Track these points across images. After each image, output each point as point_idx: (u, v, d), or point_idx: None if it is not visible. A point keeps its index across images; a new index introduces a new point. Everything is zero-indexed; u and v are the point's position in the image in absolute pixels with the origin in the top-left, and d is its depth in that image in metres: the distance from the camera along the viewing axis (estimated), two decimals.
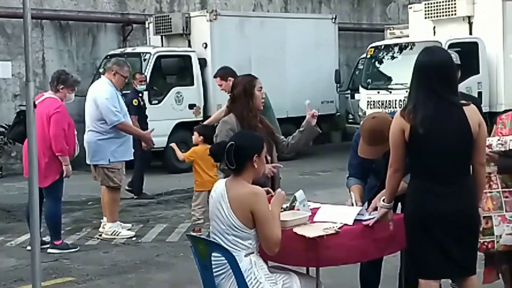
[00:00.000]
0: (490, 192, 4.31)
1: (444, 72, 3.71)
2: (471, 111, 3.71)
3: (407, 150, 3.74)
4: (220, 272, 3.65)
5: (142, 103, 10.52)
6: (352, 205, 4.27)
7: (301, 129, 4.86)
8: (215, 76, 7.47)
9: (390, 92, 12.90)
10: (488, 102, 12.66)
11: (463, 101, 3.73)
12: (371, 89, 13.50)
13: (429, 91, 3.67)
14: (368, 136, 4.14)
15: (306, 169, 13.32)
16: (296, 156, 14.41)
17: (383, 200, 3.94)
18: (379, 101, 13.01)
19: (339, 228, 3.85)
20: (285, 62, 15.01)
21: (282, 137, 4.98)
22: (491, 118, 12.46)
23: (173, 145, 7.79)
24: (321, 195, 9.41)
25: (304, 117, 4.96)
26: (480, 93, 12.55)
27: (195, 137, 7.40)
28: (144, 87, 10.80)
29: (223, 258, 3.59)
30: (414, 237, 3.80)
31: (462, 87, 12.31)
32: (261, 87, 4.72)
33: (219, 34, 14.01)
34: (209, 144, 7.41)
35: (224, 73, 7.26)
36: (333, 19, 15.94)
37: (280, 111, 13.64)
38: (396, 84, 12.94)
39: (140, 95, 10.62)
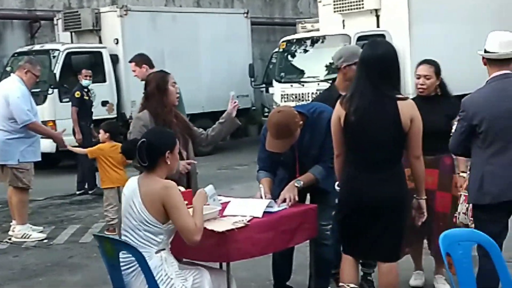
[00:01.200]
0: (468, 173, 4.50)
1: (384, 65, 3.84)
2: (405, 105, 3.82)
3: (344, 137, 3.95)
4: (130, 270, 3.61)
5: (87, 97, 10.61)
6: (261, 197, 4.32)
7: (221, 120, 4.88)
8: (130, 61, 7.39)
9: (303, 85, 13.08)
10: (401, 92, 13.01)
11: (400, 96, 3.85)
12: (284, 82, 13.65)
13: (367, 83, 3.84)
14: (274, 130, 4.20)
15: (223, 164, 13.36)
16: (213, 151, 14.43)
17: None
18: (292, 94, 13.17)
19: (248, 221, 3.88)
20: (199, 57, 14.99)
21: (201, 129, 4.97)
22: None
23: (69, 147, 7.73)
24: (238, 189, 9.47)
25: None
26: None
27: (101, 134, 7.38)
28: (89, 82, 10.79)
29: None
30: (340, 217, 4.06)
31: None
32: (174, 82, 4.70)
33: (130, 29, 13.84)
34: (115, 141, 7.39)
35: (140, 59, 7.18)
36: (245, 14, 16.04)
37: (196, 106, 13.70)
38: (308, 77, 13.14)
39: (86, 90, 10.65)
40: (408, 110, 3.82)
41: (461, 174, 4.92)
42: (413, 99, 4.83)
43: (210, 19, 15.47)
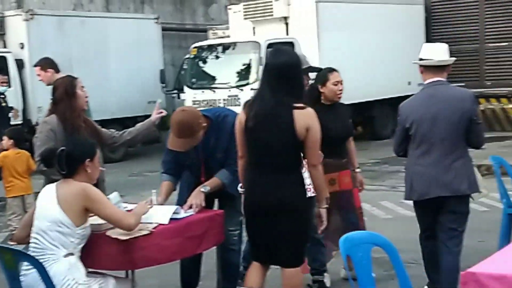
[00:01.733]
0: None
1: (283, 73, 3.85)
2: (301, 114, 3.83)
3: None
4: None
5: (4, 104, 10.38)
6: (151, 203, 4.28)
7: (139, 125, 4.85)
8: (35, 65, 7.20)
9: (214, 91, 13.14)
10: None
11: (299, 104, 3.84)
12: (195, 88, 13.65)
13: (267, 89, 3.88)
14: (177, 128, 4.20)
15: (134, 170, 13.21)
16: (124, 157, 14.24)
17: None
18: (204, 100, 13.19)
19: (153, 228, 3.87)
20: (108, 63, 14.77)
21: (113, 130, 4.93)
22: None
23: None
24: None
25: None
26: None
27: (5, 141, 7.15)
28: (6, 88, 10.65)
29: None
30: (245, 222, 4.12)
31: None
32: (82, 86, 4.64)
33: (36, 34, 13.47)
34: (20, 148, 7.18)
35: (45, 63, 7.01)
36: (156, 19, 15.94)
37: (105, 112, 13.47)
38: (219, 83, 13.21)
39: (3, 96, 10.40)
40: (304, 119, 3.83)
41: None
42: (317, 106, 5.05)
43: (120, 24, 15.27)
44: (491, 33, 15.85)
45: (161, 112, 4.85)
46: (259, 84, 4.07)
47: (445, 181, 4.40)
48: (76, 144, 3.88)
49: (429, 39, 16.42)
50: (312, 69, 4.96)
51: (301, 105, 3.86)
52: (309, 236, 4.15)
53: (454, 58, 4.63)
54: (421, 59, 4.52)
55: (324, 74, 5.20)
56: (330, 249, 5.25)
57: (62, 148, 3.74)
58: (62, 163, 3.70)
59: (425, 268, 4.93)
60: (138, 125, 4.87)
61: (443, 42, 16.13)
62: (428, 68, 4.51)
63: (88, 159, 3.74)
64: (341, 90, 5.16)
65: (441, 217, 4.54)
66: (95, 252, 3.79)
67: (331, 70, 5.25)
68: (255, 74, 12.67)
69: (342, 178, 5.21)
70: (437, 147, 4.43)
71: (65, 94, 4.53)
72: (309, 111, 3.88)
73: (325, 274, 5.24)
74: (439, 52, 4.53)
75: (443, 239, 4.56)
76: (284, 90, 3.85)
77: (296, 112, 3.82)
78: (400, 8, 15.63)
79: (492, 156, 6.19)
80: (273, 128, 3.86)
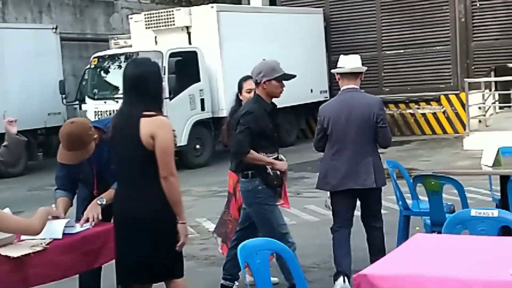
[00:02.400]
0: None
1: (136, 83, 3.75)
2: (148, 122, 3.68)
3: None
4: None
5: None
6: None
7: (5, 143, 4.60)
8: None
9: (117, 102, 12.90)
10: (210, 108, 13.34)
11: (149, 113, 3.68)
12: (97, 99, 13.39)
13: (125, 101, 3.86)
14: (66, 141, 4.08)
15: (34, 185, 12.77)
16: (24, 172, 13.78)
17: None
18: (106, 111, 12.95)
19: (47, 244, 3.74)
20: (5, 74, 14.25)
21: None
22: (215, 123, 13.30)
23: None
24: None
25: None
26: (202, 100, 13.17)
27: None
28: None
29: None
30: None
31: (185, 94, 13.00)
32: None
33: None
34: None
35: None
36: (54, 29, 15.53)
37: (2, 125, 12.94)
38: (122, 93, 12.99)
39: None
40: (149, 127, 3.67)
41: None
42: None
43: (16, 35, 14.77)
44: (388, 40, 16.45)
45: (11, 120, 4.54)
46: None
47: (355, 176, 5.11)
48: None
49: (328, 48, 16.88)
50: (288, 76, 5.02)
51: (151, 113, 3.69)
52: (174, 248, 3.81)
53: (365, 68, 5.31)
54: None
55: (239, 82, 5.44)
56: None
57: None
58: None
59: (334, 255, 5.44)
60: (4, 143, 4.58)
61: (342, 50, 16.64)
62: (343, 76, 5.22)
63: None
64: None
65: (362, 206, 5.35)
66: None
67: (246, 78, 5.41)
68: None
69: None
70: (349, 146, 5.13)
71: None
72: (157, 119, 3.70)
73: (236, 282, 5.28)
74: (351, 62, 5.24)
75: (369, 222, 5.34)
76: (140, 101, 3.71)
77: (142, 121, 3.67)
78: (300, 18, 15.96)
79: (387, 160, 6.40)
80: (124, 139, 3.76)
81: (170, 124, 3.77)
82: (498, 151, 5.73)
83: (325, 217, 8.08)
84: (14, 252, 3.59)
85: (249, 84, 5.29)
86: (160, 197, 3.71)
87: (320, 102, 18.44)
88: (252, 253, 3.43)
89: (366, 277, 2.86)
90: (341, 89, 5.26)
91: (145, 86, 3.74)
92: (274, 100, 4.99)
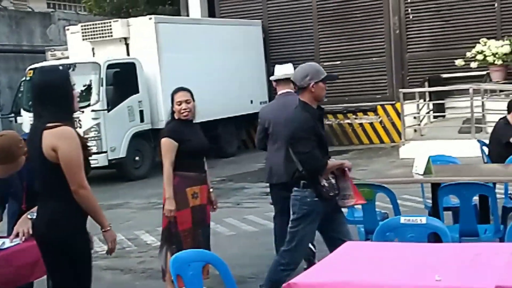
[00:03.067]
0: None
1: (45, 93, 3.56)
2: (49, 134, 3.50)
3: None
4: None
5: None
6: None
7: None
8: None
9: None
10: (150, 119, 13.26)
11: (52, 124, 3.50)
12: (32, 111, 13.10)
13: (34, 112, 3.68)
14: None
15: None
16: None
17: None
18: None
19: None
20: None
21: None
22: (154, 135, 13.22)
23: None
24: None
25: None
26: (141, 112, 13.09)
27: None
28: None
29: None
30: None
31: (123, 106, 12.89)
32: None
33: None
34: None
35: None
36: None
37: None
38: None
39: None
40: (50, 139, 3.49)
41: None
42: (172, 123, 5.17)
43: None
44: (325, 52, 16.73)
45: None
46: None
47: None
48: None
49: (268, 59, 17.04)
50: (334, 77, 4.97)
51: (54, 124, 3.49)
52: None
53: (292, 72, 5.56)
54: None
55: (171, 94, 5.37)
56: None
57: None
58: None
59: (276, 242, 5.88)
60: None
61: (281, 61, 16.76)
62: (278, 82, 5.84)
63: None
64: (185, 108, 5.23)
65: None
66: None
67: (176, 90, 5.38)
68: (96, 96, 12.46)
69: (203, 192, 5.36)
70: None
71: None
72: (59, 130, 3.50)
73: None
74: (283, 69, 5.89)
75: None
76: (44, 112, 3.54)
77: (45, 133, 3.49)
78: (239, 29, 16.07)
79: None
80: (32, 153, 3.63)
81: (73, 135, 3.53)
82: (428, 160, 5.90)
83: (264, 228, 8.15)
84: None
85: (179, 96, 5.25)
86: (59, 214, 3.55)
87: None
88: (184, 264, 3.45)
89: (296, 285, 2.92)
90: (278, 93, 5.88)
91: (50, 96, 3.53)
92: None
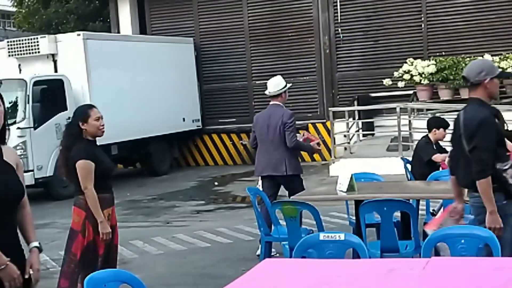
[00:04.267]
0: None
1: None
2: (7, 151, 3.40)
3: None
4: None
5: None
6: None
7: None
8: None
9: None
10: None
11: None
12: None
13: None
14: None
15: None
16: None
17: None
18: None
19: None
20: None
21: None
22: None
23: None
24: None
25: None
26: None
27: None
28: None
29: None
30: None
31: (51, 123, 12.63)
32: None
33: None
34: None
35: None
36: None
37: None
38: None
39: None
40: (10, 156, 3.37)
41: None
42: (82, 143, 4.97)
43: None
44: (257, 71, 16.85)
45: None
46: None
47: (273, 166, 7.10)
48: None
49: (200, 77, 17.04)
50: (509, 74, 4.82)
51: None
52: None
53: (285, 88, 7.30)
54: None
55: (84, 111, 5.10)
56: None
57: None
58: None
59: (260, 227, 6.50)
60: None
61: (213, 79, 16.82)
62: (270, 97, 7.28)
63: None
64: (103, 125, 5.07)
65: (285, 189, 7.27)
66: None
67: (91, 106, 5.18)
68: (22, 113, 12.16)
69: (113, 212, 5.22)
70: (269, 145, 7.13)
71: None
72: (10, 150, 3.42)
73: None
74: (270, 86, 7.29)
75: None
76: None
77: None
78: (170, 46, 16.02)
79: (248, 187, 6.57)
80: None
81: None
82: (351, 177, 6.00)
83: (193, 246, 8.11)
84: None
85: (97, 112, 5.05)
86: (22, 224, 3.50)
87: (193, 131, 18.49)
88: (100, 284, 3.38)
89: None
90: (270, 103, 7.31)
91: None
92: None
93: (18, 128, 12.01)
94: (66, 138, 5.16)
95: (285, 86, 7.31)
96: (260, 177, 7.34)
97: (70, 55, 13.15)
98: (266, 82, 7.47)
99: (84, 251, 5.04)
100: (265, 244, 6.31)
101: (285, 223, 5.87)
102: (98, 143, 5.19)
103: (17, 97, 12.27)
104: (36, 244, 3.49)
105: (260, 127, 7.20)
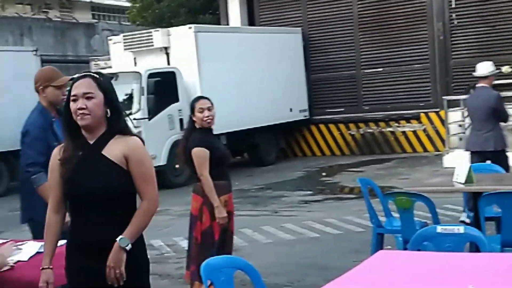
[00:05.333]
0: None
1: None
2: None
3: None
4: None
5: None
6: None
7: None
8: None
9: None
10: None
11: None
12: None
13: None
14: None
15: (16, 205, 12.65)
16: (6, 192, 13.77)
17: None
18: None
19: (14, 263, 3.74)
20: None
21: None
22: None
23: None
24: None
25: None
26: (181, 120, 13.17)
27: None
28: None
29: None
30: None
31: (164, 114, 13.00)
32: None
33: None
34: None
35: None
36: (35, 51, 15.50)
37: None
38: None
39: None
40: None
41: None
42: (197, 132, 5.19)
43: None
44: (366, 59, 16.56)
45: None
46: None
47: (482, 142, 7.77)
48: None
49: (308, 67, 16.96)
50: None
51: None
52: None
53: (495, 71, 8.01)
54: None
55: (191, 103, 5.39)
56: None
57: None
58: None
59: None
60: None
61: (321, 68, 16.68)
62: (478, 77, 7.96)
63: None
64: (207, 116, 5.25)
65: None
66: None
67: (197, 99, 5.43)
68: (137, 104, 12.59)
69: (231, 199, 5.39)
70: (478, 123, 7.89)
71: None
72: None
73: None
74: (481, 68, 7.91)
75: None
76: None
77: None
78: (279, 37, 16.04)
79: (359, 178, 6.43)
80: None
81: None
82: (470, 168, 5.76)
83: (302, 236, 8.10)
84: None
85: (201, 104, 5.28)
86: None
87: (300, 121, 18.52)
88: (216, 270, 3.42)
89: None
90: (477, 85, 7.96)
91: None
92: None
93: (134, 119, 12.42)
94: (185, 129, 5.54)
95: (495, 70, 8.05)
96: (469, 153, 7.89)
97: (182, 48, 13.45)
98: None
99: (202, 236, 5.24)
100: (377, 236, 6.18)
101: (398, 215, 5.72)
102: None
103: (132, 89, 12.71)
104: (117, 238, 3.12)
105: (470, 107, 8.07)
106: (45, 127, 4.79)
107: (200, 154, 5.17)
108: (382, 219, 6.19)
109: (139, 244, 3.21)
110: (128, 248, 3.10)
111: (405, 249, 5.39)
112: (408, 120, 15.92)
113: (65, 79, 4.90)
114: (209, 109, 5.28)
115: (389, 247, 6.61)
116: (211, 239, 5.21)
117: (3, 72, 14.57)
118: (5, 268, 3.64)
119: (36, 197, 4.60)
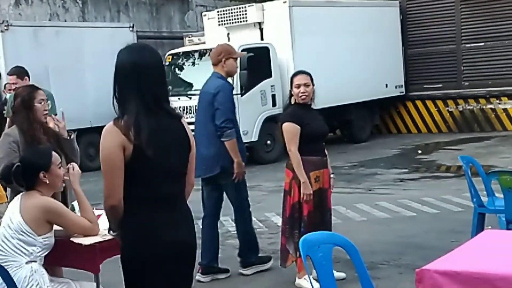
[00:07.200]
0: None
1: (160, 74, 3.07)
2: (185, 122, 3.10)
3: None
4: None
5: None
6: None
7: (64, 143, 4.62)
8: (10, 74, 7.13)
9: (190, 98, 13.04)
10: (281, 104, 13.27)
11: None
12: (172, 95, 13.47)
13: (145, 99, 2.93)
14: None
15: None
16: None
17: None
18: (180, 107, 13.10)
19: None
20: (84, 72, 14.63)
21: None
22: None
23: None
24: None
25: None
26: (274, 96, 13.15)
27: None
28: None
29: None
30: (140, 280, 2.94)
31: (256, 90, 13.02)
32: (42, 99, 4.53)
33: (12, 45, 13.32)
34: None
35: (20, 71, 7.05)
36: (131, 28, 15.85)
37: (83, 121, 13.42)
38: (195, 90, 13.10)
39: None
40: (189, 128, 3.10)
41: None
42: (290, 108, 5.19)
43: (95, 33, 15.14)
44: (468, 33, 15.92)
45: (61, 122, 4.57)
46: (125, 94, 3.00)
47: None
48: (29, 158, 3.92)
49: (405, 41, 16.51)
50: None
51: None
52: None
53: None
54: None
55: (291, 77, 5.37)
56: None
57: (18, 164, 3.84)
58: (19, 179, 3.82)
59: None
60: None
61: (419, 43, 16.23)
62: None
63: (43, 172, 3.80)
64: (303, 92, 5.22)
65: None
66: (60, 259, 3.91)
67: (296, 73, 5.41)
68: (230, 80, 12.62)
69: (325, 176, 5.33)
70: None
71: (22, 105, 4.46)
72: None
73: None
74: None
75: None
76: (164, 96, 3.09)
77: (184, 121, 3.14)
78: (375, 11, 15.68)
79: (461, 156, 6.19)
80: (172, 146, 3.00)
81: None
82: None
83: (397, 215, 7.92)
84: (87, 240, 3.78)
85: (298, 79, 5.26)
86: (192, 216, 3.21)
87: (395, 97, 18.17)
88: (314, 246, 3.37)
89: (430, 272, 2.76)
90: None
91: (165, 76, 3.30)
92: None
93: None
94: (286, 103, 5.57)
95: None
96: None
97: (276, 23, 13.38)
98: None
99: (291, 210, 5.26)
100: (478, 215, 5.94)
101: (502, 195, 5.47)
102: None
103: None
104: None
105: None
106: (232, 90, 5.77)
107: (289, 129, 5.17)
108: (484, 199, 5.95)
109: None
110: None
111: (509, 229, 5.18)
112: (510, 97, 15.24)
113: (242, 53, 6.18)
114: (306, 85, 5.23)
115: (489, 227, 6.35)
116: (298, 213, 5.22)
117: (102, 47, 14.96)
118: (107, 238, 3.73)
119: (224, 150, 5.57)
